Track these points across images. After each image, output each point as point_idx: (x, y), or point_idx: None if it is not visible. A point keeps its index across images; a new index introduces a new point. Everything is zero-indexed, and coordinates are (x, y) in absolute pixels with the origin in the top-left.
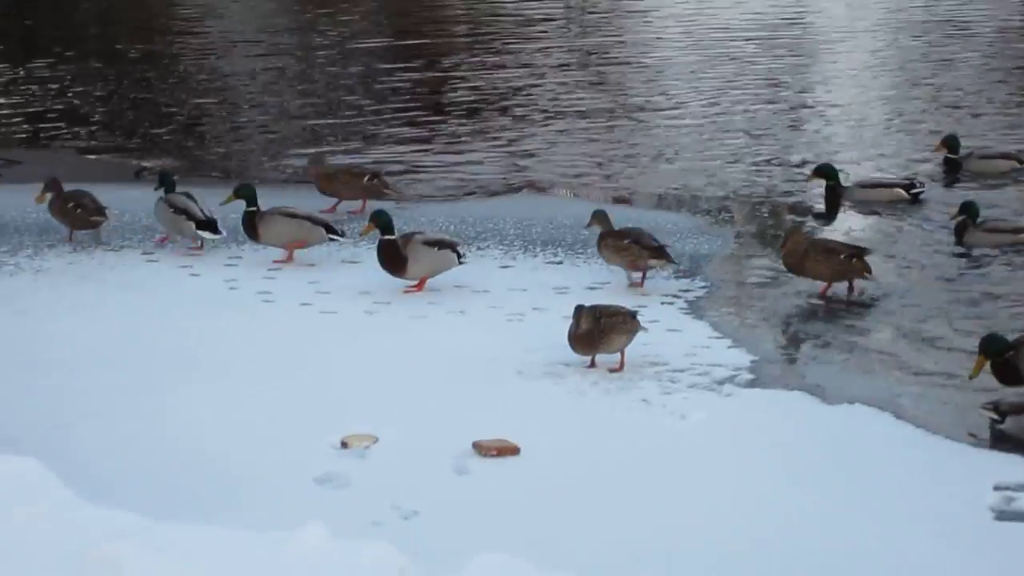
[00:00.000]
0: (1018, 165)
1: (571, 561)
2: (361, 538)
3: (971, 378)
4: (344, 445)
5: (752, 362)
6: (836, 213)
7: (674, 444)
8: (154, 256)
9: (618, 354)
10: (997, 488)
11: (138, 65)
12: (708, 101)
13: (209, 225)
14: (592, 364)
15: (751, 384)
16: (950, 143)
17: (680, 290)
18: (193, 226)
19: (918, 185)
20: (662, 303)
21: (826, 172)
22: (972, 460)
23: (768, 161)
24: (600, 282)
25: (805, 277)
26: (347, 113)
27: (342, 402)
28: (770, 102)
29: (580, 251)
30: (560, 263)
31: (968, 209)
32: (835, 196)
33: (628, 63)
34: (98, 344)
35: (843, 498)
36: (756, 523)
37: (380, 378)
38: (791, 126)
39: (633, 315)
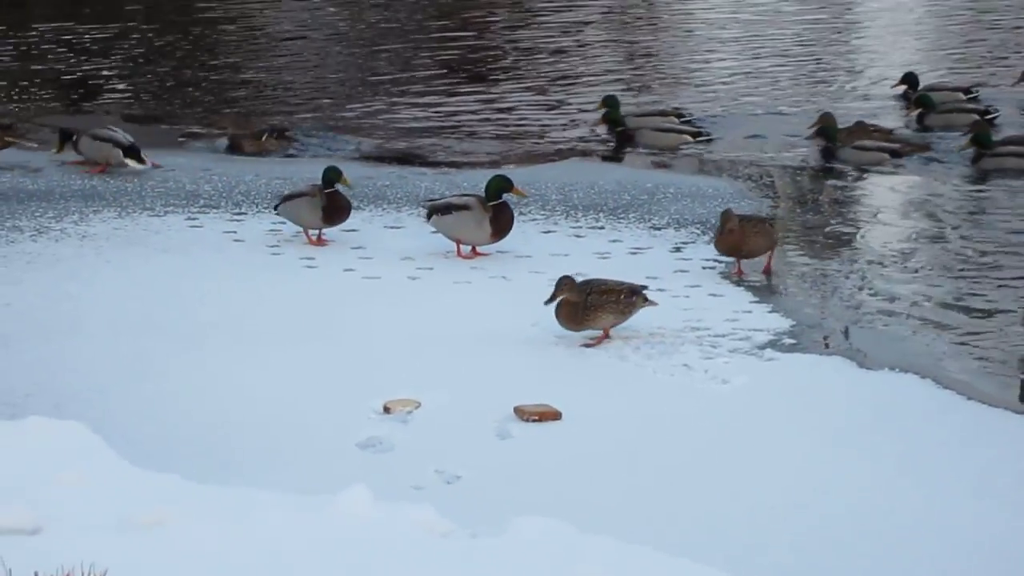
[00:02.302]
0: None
1: (612, 524)
2: (404, 502)
3: None
4: (387, 410)
5: (792, 327)
6: (624, 153)
7: (716, 408)
8: (198, 221)
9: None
10: None
11: (183, 28)
12: (752, 66)
13: (134, 152)
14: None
15: (792, 349)
16: (608, 103)
17: (720, 255)
18: (120, 153)
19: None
20: (703, 268)
21: (611, 113)
22: (1014, 424)
23: (808, 125)
24: (642, 247)
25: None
26: (391, 74)
27: (385, 367)
28: (814, 63)
29: (622, 216)
30: (602, 228)
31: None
32: (625, 137)
33: (670, 22)
34: (142, 308)
35: (885, 461)
36: (798, 485)
37: (422, 343)
38: (833, 90)
39: (635, 292)
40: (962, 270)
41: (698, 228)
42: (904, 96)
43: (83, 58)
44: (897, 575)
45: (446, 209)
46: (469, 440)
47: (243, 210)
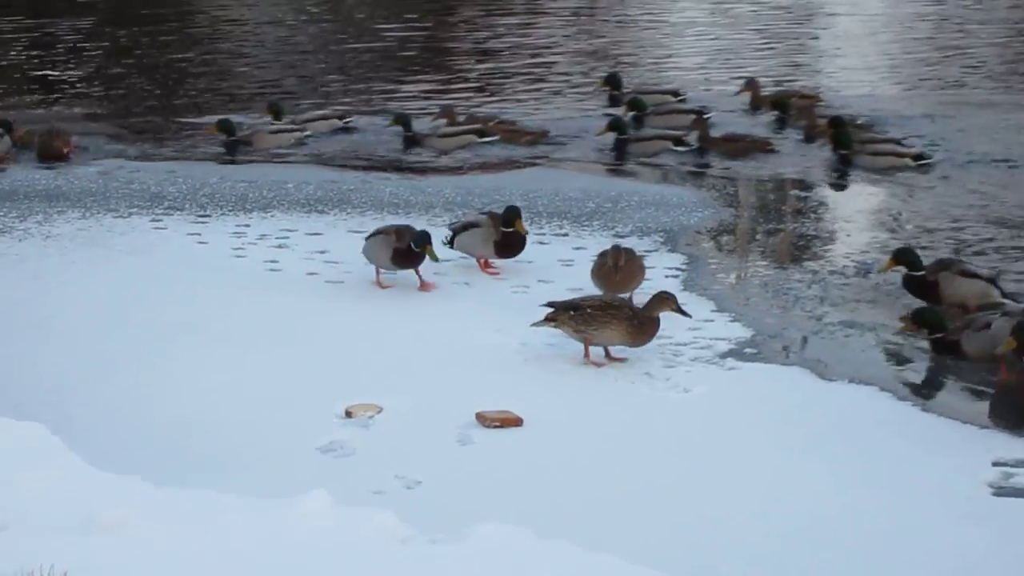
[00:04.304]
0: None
1: (572, 531)
2: (364, 507)
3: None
4: (348, 414)
5: (753, 337)
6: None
7: (677, 417)
8: (162, 223)
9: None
10: (996, 464)
11: (150, 27)
12: (721, 69)
13: None
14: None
15: (753, 359)
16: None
17: (683, 264)
18: None
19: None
20: (665, 276)
21: (275, 108)
22: (972, 437)
23: (773, 135)
24: None
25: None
26: (357, 75)
27: (346, 371)
28: (785, 69)
29: (586, 223)
30: (566, 235)
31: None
32: (241, 142)
33: (634, 22)
34: (105, 310)
35: (844, 470)
36: (758, 493)
37: (385, 348)
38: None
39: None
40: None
41: (661, 236)
42: (609, 97)
43: (47, 54)
44: None
45: (464, 228)
46: (430, 445)
47: (207, 212)
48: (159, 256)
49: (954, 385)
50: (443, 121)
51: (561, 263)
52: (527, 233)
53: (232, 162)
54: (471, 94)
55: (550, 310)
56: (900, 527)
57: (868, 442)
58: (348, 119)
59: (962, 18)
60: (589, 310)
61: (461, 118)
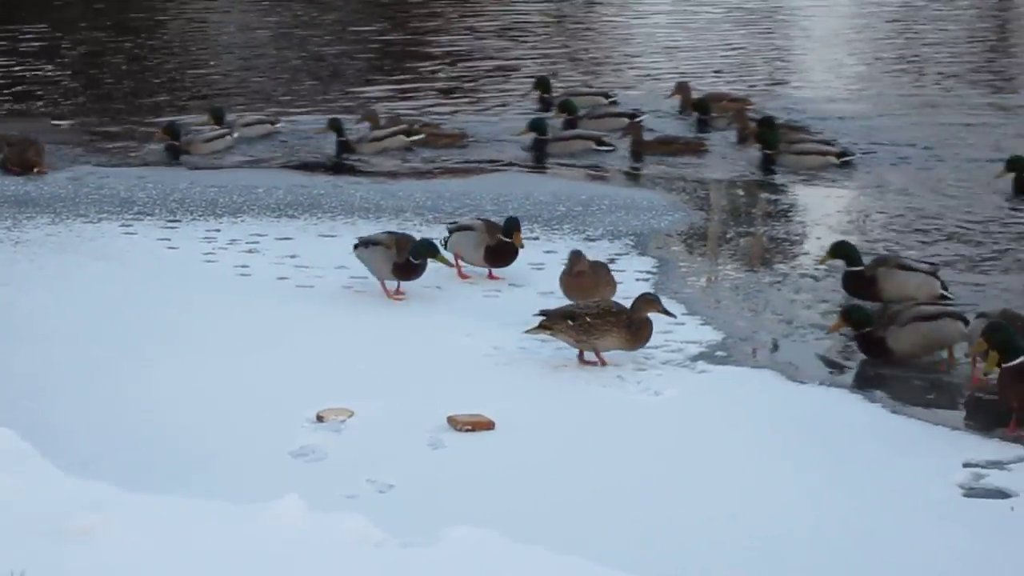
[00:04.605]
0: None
1: (545, 535)
2: (337, 511)
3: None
4: (320, 419)
5: (724, 340)
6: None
7: (648, 419)
8: (132, 228)
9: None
10: (966, 465)
11: (118, 32)
12: (673, 72)
13: None
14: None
15: (723, 362)
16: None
17: (653, 267)
18: None
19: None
20: (636, 279)
21: (216, 114)
22: (942, 438)
23: (703, 136)
24: None
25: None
26: (328, 77)
27: (318, 376)
28: (740, 71)
29: (556, 227)
30: (536, 239)
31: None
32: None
33: (608, 30)
34: (76, 316)
35: (815, 473)
36: (729, 497)
37: (356, 352)
38: (766, 96)
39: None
40: None
41: (632, 240)
42: (540, 100)
43: (16, 59)
44: None
45: (458, 228)
46: (402, 449)
47: (177, 218)
48: (129, 262)
49: (924, 387)
50: (367, 125)
51: (532, 267)
52: (523, 246)
53: (199, 167)
54: (429, 97)
55: (543, 318)
56: (871, 528)
57: (839, 444)
58: (278, 123)
59: (925, 19)
60: (588, 319)
61: (383, 120)
